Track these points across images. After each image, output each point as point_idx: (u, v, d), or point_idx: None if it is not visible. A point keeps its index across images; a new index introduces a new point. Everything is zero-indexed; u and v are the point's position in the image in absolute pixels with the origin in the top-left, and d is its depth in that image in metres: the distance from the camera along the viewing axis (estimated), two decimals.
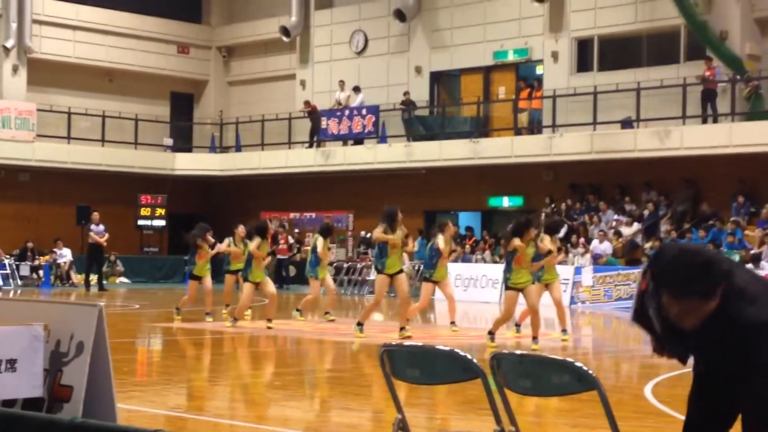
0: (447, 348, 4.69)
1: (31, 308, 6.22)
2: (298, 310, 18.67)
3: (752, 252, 22.55)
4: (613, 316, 21.73)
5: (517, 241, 14.04)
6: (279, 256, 29.51)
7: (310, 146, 31.85)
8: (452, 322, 16.40)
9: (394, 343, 4.85)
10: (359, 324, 15.32)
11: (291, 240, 31.70)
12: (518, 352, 4.50)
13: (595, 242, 25.16)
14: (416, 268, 27.52)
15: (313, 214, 32.72)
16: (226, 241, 18.31)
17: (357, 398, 10.20)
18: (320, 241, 18.10)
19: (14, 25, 31.88)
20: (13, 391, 5.49)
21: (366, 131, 30.63)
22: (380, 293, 15.38)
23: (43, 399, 5.58)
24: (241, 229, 18.12)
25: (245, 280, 16.85)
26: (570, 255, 25.71)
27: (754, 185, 24.27)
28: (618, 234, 25.44)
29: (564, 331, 15.96)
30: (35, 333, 5.55)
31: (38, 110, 31.49)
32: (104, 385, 5.52)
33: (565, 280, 24.21)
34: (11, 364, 5.45)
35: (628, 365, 13.92)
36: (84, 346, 5.53)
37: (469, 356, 4.54)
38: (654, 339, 4.28)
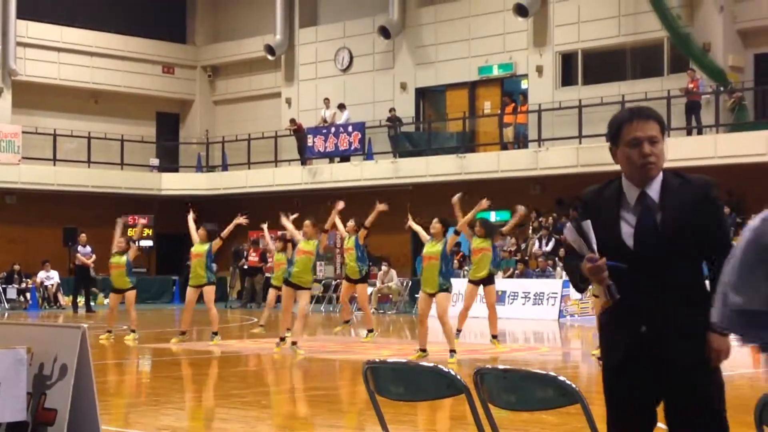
0: (431, 364, 4.69)
1: (14, 331, 6.19)
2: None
3: None
4: None
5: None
6: (267, 274, 29.50)
7: (302, 164, 31.84)
8: (458, 329, 16.51)
9: (377, 360, 4.84)
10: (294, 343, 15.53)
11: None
12: (501, 367, 4.50)
13: None
14: (403, 283, 27.56)
15: (301, 232, 32.62)
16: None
17: (343, 416, 10.17)
18: None
19: None
20: None
21: (352, 148, 30.65)
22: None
23: (27, 423, 5.55)
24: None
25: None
26: (558, 269, 25.74)
27: (740, 196, 24.34)
28: None
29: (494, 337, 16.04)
30: (18, 356, 5.52)
31: (24, 132, 31.43)
32: (88, 407, 5.50)
33: (553, 293, 24.27)
34: None
35: None
36: (68, 369, 5.50)
37: (453, 372, 4.54)
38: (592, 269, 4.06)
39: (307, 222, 16.01)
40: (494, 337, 16.11)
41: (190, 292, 17.26)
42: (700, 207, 4.07)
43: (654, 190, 4.17)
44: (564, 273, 25.19)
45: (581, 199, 4.36)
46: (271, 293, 19.29)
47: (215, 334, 17.25)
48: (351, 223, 17.72)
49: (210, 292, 17.26)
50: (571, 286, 21.37)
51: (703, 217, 4.08)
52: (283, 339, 15.96)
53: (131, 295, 18.55)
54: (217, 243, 17.37)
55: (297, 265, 15.61)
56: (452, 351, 14.08)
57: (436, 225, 14.30)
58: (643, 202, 4.16)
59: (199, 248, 17.24)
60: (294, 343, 15.48)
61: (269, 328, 19.09)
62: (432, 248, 14.11)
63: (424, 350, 14.23)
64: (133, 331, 18.15)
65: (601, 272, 4.02)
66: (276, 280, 18.90)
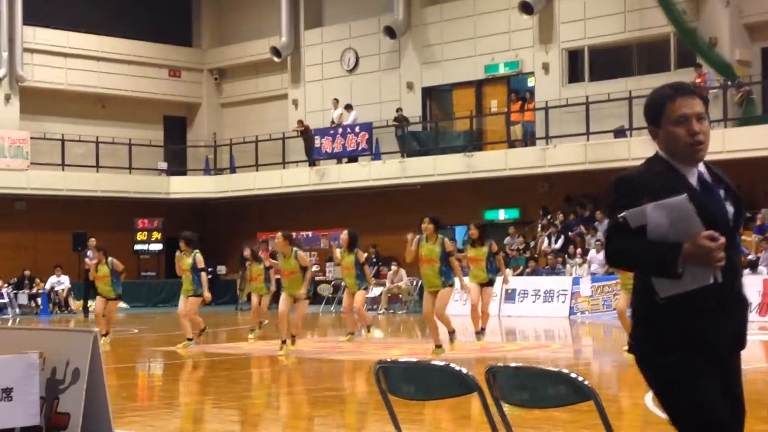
0: (442, 363, 4.69)
1: (26, 336, 6.21)
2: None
3: (749, 257, 22.56)
4: (612, 325, 21.69)
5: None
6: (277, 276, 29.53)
7: (311, 165, 31.87)
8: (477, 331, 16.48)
9: (389, 359, 4.83)
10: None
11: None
12: (513, 364, 4.49)
13: (592, 252, 25.17)
14: (413, 282, 27.55)
15: (310, 233, 32.70)
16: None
17: (355, 416, 10.17)
18: None
19: (5, 54, 31.95)
20: (10, 420, 5.48)
21: (360, 149, 30.66)
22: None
23: (41, 427, 5.56)
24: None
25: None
26: (568, 266, 25.73)
27: (749, 191, 24.26)
28: None
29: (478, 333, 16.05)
30: (30, 361, 5.54)
31: (32, 138, 31.52)
32: (101, 410, 5.51)
33: (563, 291, 24.25)
34: (7, 393, 5.44)
35: (629, 375, 13.88)
36: (80, 373, 5.52)
37: (464, 370, 4.53)
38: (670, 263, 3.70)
39: (278, 235, 15.70)
40: (479, 332, 16.10)
41: (181, 301, 17.10)
42: (737, 195, 3.99)
43: (704, 173, 3.97)
44: (573, 270, 25.15)
45: (632, 181, 3.91)
46: (254, 298, 18.98)
47: (190, 339, 16.96)
48: (344, 236, 17.52)
49: (193, 303, 16.89)
50: (581, 282, 21.18)
51: (740, 205, 4.00)
52: (284, 342, 15.87)
53: (113, 304, 18.54)
54: (200, 258, 16.84)
55: (288, 286, 15.59)
56: (438, 346, 14.26)
57: (428, 226, 14.17)
58: (705, 184, 3.93)
59: (183, 261, 16.88)
60: (286, 341, 15.64)
61: (266, 331, 19.10)
62: (428, 250, 14.04)
63: (439, 346, 14.25)
64: (105, 335, 18.01)
65: (721, 250, 3.71)
66: (255, 290, 18.83)
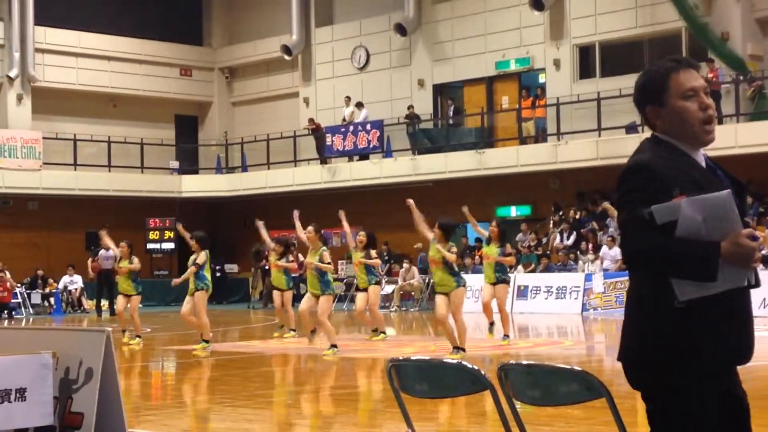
0: (455, 361, 4.68)
1: (39, 336, 6.23)
2: (292, 329, 18.72)
3: (763, 252, 22.46)
4: None
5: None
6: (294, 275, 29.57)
7: (322, 163, 31.88)
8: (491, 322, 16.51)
9: (401, 357, 4.83)
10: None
11: (300, 258, 31.71)
12: (525, 362, 4.49)
13: (604, 248, 25.12)
14: (425, 280, 27.53)
15: (322, 231, 32.65)
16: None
17: (368, 414, 10.17)
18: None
19: (17, 55, 32.04)
20: (24, 419, 5.50)
21: (371, 146, 30.67)
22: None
23: (54, 427, 5.58)
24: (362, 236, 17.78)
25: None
26: (580, 262, 25.69)
27: (761, 185, 24.20)
28: None
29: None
30: (44, 361, 5.55)
31: (44, 138, 31.60)
32: (114, 410, 5.53)
33: (575, 287, 24.21)
34: (21, 393, 5.46)
35: None
36: (93, 372, 5.53)
37: (477, 368, 4.53)
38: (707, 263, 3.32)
39: (310, 229, 15.65)
40: (492, 323, 16.11)
41: (186, 301, 16.90)
42: (739, 182, 3.63)
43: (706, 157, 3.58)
44: (586, 266, 25.08)
45: (651, 170, 3.47)
46: (276, 297, 19.01)
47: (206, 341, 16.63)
48: (362, 236, 17.56)
49: (200, 299, 16.62)
50: (593, 278, 21.06)
51: (743, 193, 3.62)
52: (313, 331, 16.06)
53: (135, 301, 18.48)
54: (202, 257, 16.66)
55: (309, 282, 15.52)
56: (458, 348, 13.92)
57: (437, 231, 14.08)
58: (715, 172, 3.55)
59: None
60: (313, 331, 15.70)
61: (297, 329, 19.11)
62: (436, 253, 13.97)
63: (456, 348, 14.07)
64: (138, 336, 18.07)
65: (757, 251, 3.39)
66: (276, 281, 18.86)
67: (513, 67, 29.88)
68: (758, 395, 4.09)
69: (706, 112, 3.54)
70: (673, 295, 3.38)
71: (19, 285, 29.23)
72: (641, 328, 3.51)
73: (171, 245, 33.10)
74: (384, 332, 17.70)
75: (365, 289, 17.35)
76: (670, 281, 3.38)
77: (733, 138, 23.67)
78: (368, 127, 30.79)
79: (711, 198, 3.37)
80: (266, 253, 31.08)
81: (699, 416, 3.46)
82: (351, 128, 31.15)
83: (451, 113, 30.80)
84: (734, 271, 3.40)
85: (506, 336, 16.02)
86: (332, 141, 31.39)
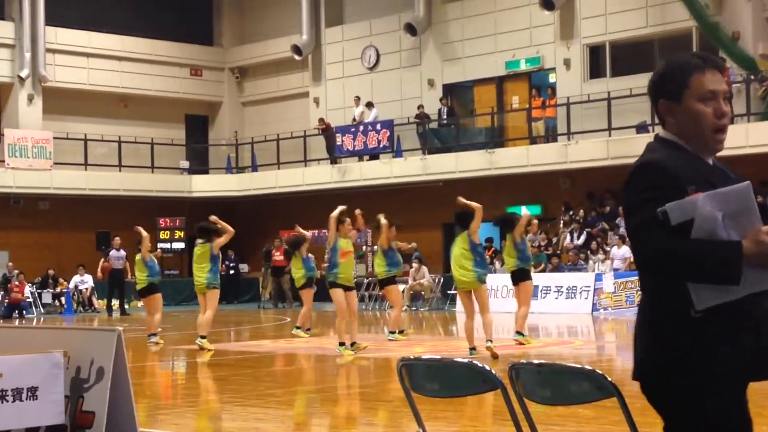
0: (466, 360, 4.69)
1: (50, 335, 6.24)
2: (297, 327, 18.72)
3: None
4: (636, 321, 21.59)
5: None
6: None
7: (332, 163, 31.89)
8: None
9: (412, 357, 4.84)
10: (342, 344, 15.32)
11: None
12: (536, 361, 4.48)
13: (614, 248, 25.09)
14: (435, 279, 27.53)
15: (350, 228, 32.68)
16: None
17: (379, 413, 10.17)
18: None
19: (28, 55, 32.13)
20: (36, 419, 5.51)
21: (381, 146, 30.67)
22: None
23: (66, 426, 5.59)
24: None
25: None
26: (590, 262, 25.65)
27: None
28: None
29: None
30: (55, 360, 5.56)
31: (55, 138, 31.68)
32: (125, 409, 5.53)
33: (586, 287, 24.18)
34: (32, 392, 5.47)
35: None
36: (104, 371, 5.54)
37: (487, 367, 4.53)
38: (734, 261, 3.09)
39: (348, 220, 15.90)
40: (519, 333, 15.82)
41: (200, 299, 16.86)
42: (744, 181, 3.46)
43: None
44: (596, 266, 25.04)
45: (663, 169, 3.27)
46: (306, 302, 18.91)
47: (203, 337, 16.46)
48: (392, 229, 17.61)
49: (212, 297, 16.47)
50: (604, 278, 21.03)
51: None
52: (354, 344, 15.39)
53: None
54: (218, 242, 16.56)
55: (343, 269, 15.27)
56: (488, 340, 13.93)
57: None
58: (724, 177, 3.36)
59: (199, 250, 16.65)
60: (353, 344, 15.36)
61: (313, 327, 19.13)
62: (458, 248, 14.14)
63: (486, 347, 13.93)
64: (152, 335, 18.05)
65: None
66: (298, 279, 18.90)
67: (523, 66, 29.85)
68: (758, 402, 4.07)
69: (721, 120, 3.36)
70: (690, 304, 3.18)
71: (30, 284, 29.31)
72: (656, 340, 3.34)
73: (181, 245, 33.16)
74: (402, 331, 17.77)
75: (386, 280, 17.34)
76: (687, 287, 3.17)
77: (744, 138, 23.61)
78: (378, 126, 30.79)
79: (731, 191, 3.17)
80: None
81: (716, 417, 3.30)
82: (361, 128, 31.16)
83: (445, 114, 30.72)
84: (758, 273, 3.14)
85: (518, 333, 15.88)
86: (342, 141, 31.40)
